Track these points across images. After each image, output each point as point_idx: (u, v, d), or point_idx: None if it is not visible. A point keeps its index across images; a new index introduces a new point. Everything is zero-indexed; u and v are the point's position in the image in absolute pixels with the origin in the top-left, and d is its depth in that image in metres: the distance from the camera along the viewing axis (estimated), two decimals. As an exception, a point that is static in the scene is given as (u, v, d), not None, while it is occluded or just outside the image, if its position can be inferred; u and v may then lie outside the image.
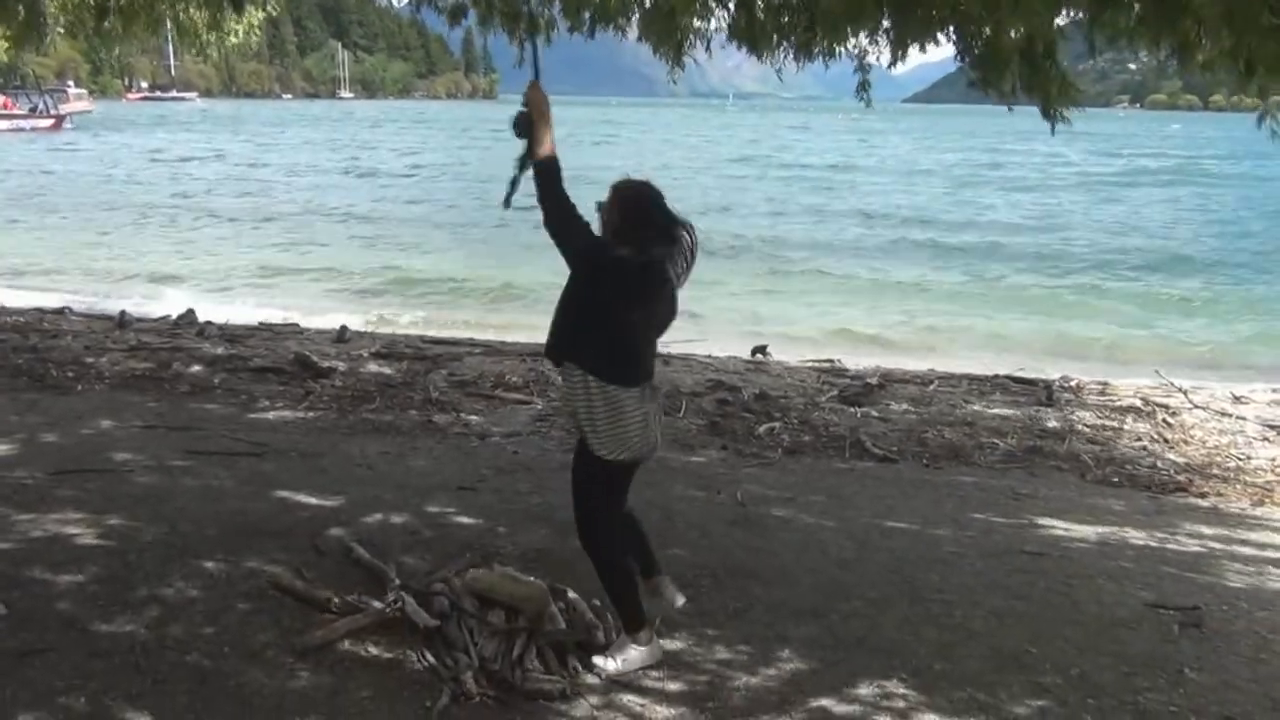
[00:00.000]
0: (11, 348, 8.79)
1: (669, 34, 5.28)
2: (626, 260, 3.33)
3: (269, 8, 7.88)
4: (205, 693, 3.33)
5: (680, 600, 3.88)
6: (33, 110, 58.96)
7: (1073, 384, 9.18)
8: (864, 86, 5.80)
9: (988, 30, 5.05)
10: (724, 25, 5.92)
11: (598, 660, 3.64)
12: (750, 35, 5.73)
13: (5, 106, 57.93)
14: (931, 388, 8.76)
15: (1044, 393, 8.66)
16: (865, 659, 3.76)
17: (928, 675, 3.66)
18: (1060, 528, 5.38)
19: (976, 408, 8.09)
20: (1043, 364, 10.53)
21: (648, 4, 5.64)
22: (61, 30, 8.07)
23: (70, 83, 78.43)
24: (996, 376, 9.32)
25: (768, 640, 3.87)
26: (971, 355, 11.42)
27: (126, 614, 3.83)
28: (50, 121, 59.05)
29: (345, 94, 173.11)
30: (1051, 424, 7.64)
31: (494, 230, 20.64)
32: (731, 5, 5.71)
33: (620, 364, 3.50)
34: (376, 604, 3.89)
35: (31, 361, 8.21)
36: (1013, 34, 5.00)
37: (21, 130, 55.57)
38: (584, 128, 64.20)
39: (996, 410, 8.03)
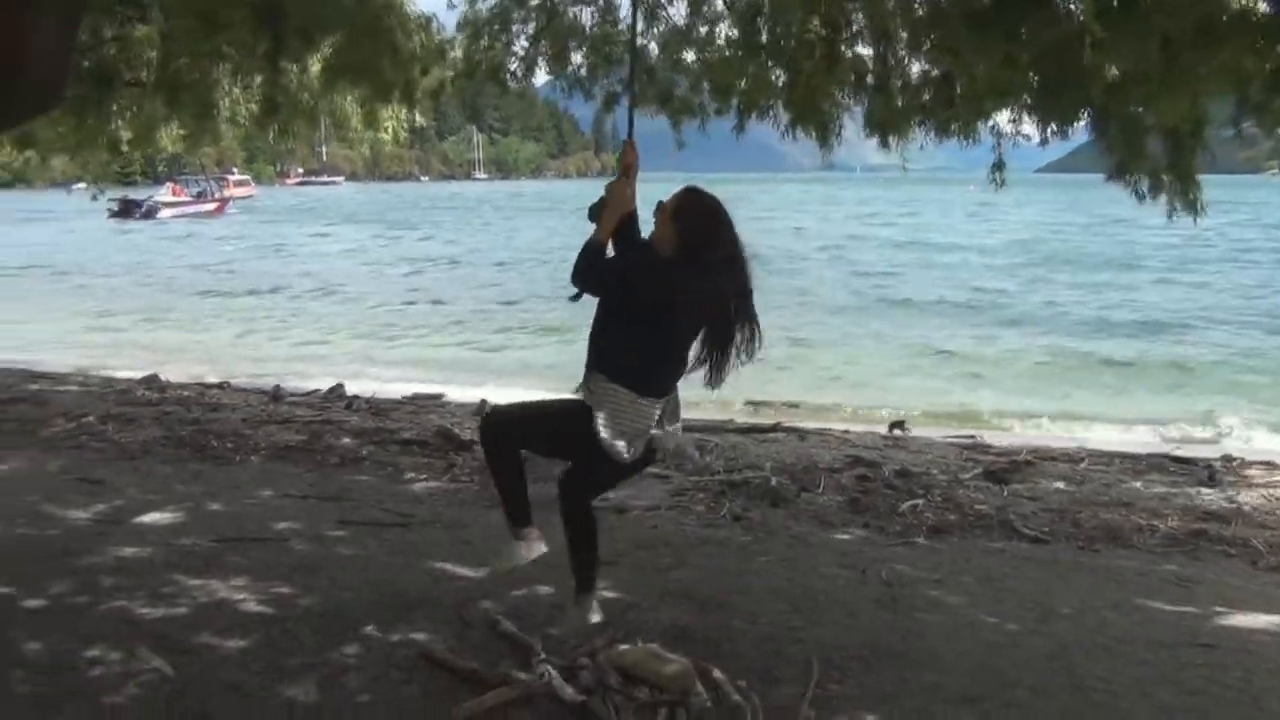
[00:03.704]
0: (176, 420, 9.31)
1: (814, 117, 5.36)
2: (696, 288, 3.50)
3: (418, 118, 8.38)
4: (361, 761, 3.40)
5: (598, 617, 4.01)
6: (198, 196, 63.13)
7: (1235, 463, 8.70)
8: (999, 167, 5.76)
9: (1134, 110, 4.95)
10: (858, 112, 6.00)
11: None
12: (886, 123, 5.77)
13: (174, 193, 62.19)
14: (1082, 465, 8.42)
15: (1205, 472, 8.22)
16: (1027, 751, 3.59)
17: (1096, 771, 3.46)
18: (1233, 617, 5.05)
19: (1132, 487, 7.73)
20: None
21: (781, 90, 5.76)
22: (233, 125, 8.69)
23: (233, 169, 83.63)
24: (1153, 455, 8.90)
25: (922, 727, 3.74)
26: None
27: (285, 681, 3.95)
28: (214, 205, 63.08)
29: (480, 175, 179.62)
30: (1215, 506, 7.23)
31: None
32: (865, 94, 5.78)
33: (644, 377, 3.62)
34: (524, 677, 3.93)
35: (195, 434, 8.66)
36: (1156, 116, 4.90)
37: (186, 215, 59.45)
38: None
39: (1154, 490, 7.65)
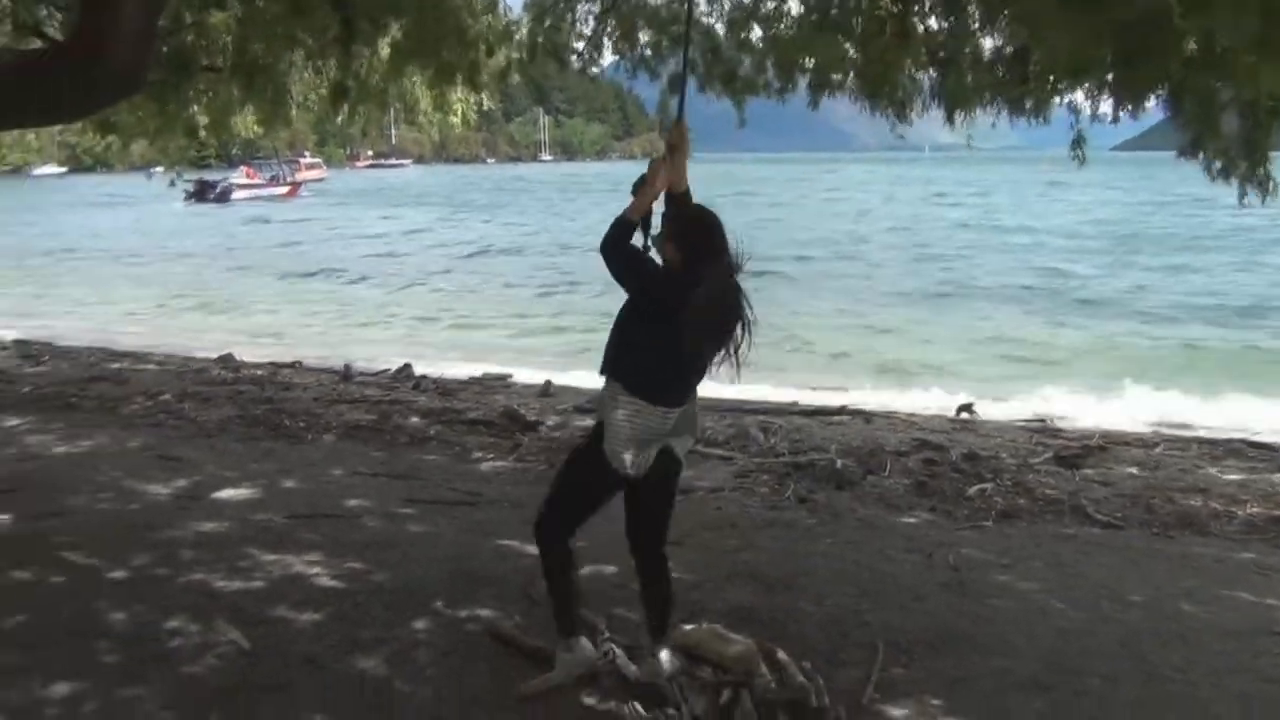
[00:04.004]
0: (250, 399, 9.53)
1: (890, 94, 5.28)
2: (708, 298, 3.39)
3: (485, 101, 8.46)
4: (431, 734, 3.47)
5: (669, 668, 3.77)
6: (272, 179, 64.26)
7: (1318, 449, 8.43)
8: (1079, 143, 5.63)
9: (1212, 84, 4.80)
10: (927, 87, 5.90)
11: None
12: (954, 98, 5.67)
13: (248, 176, 63.44)
14: (1157, 450, 8.23)
15: (1286, 458, 7.99)
16: (1099, 740, 3.54)
17: (1170, 761, 3.40)
18: (1315, 607, 4.92)
19: (1209, 473, 7.53)
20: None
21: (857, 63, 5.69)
22: (304, 108, 8.83)
23: (305, 152, 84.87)
24: (1231, 440, 8.67)
25: (991, 713, 3.70)
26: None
27: (357, 654, 4.04)
28: (287, 189, 64.14)
29: (545, 157, 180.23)
30: (1299, 493, 7.02)
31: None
32: (935, 70, 5.68)
33: (662, 385, 3.52)
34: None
35: (268, 412, 8.86)
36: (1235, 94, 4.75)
37: (259, 197, 60.59)
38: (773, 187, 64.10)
39: (1232, 476, 7.45)
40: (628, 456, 3.51)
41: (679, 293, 3.40)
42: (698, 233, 3.55)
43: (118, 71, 5.07)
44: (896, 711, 3.72)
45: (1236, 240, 33.03)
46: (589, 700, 3.71)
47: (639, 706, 3.64)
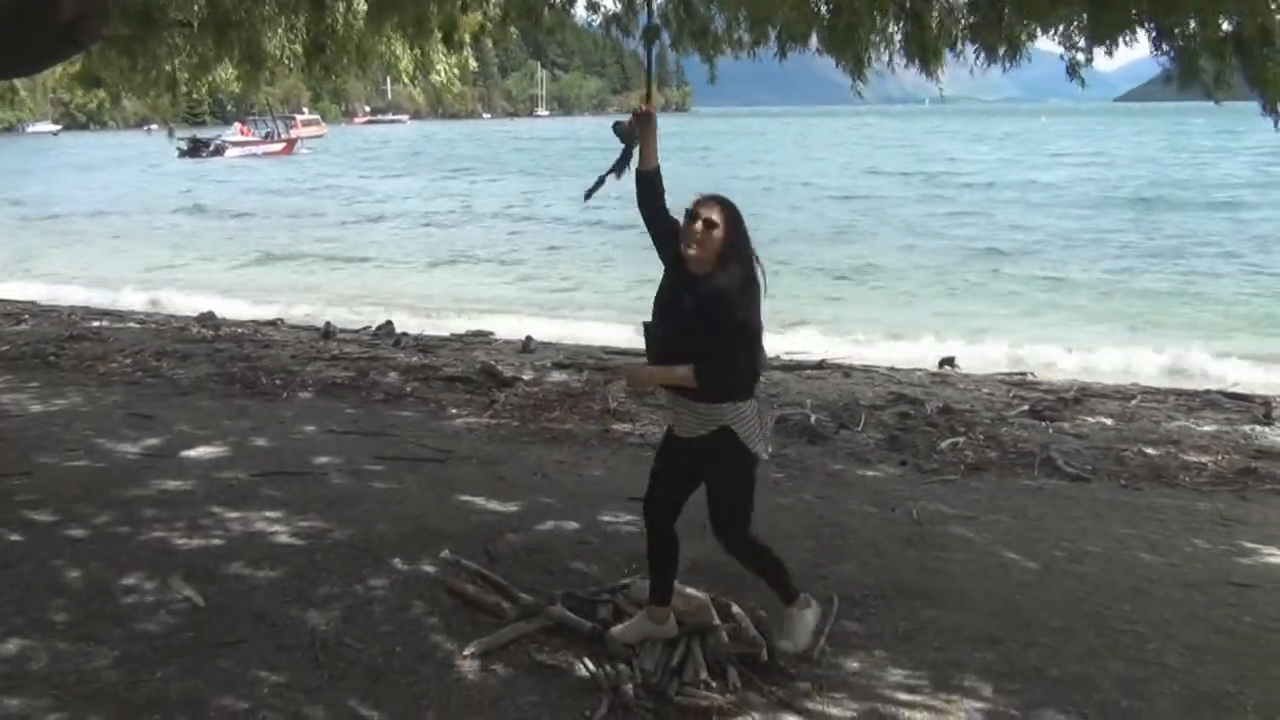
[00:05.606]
0: (228, 357, 9.50)
1: (848, 47, 5.19)
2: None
3: (468, 60, 8.33)
4: (378, 690, 3.47)
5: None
6: (266, 136, 63.63)
7: (1296, 400, 8.41)
8: (1075, 72, 5.50)
9: (1193, 22, 4.73)
10: (897, 41, 5.80)
11: (783, 644, 3.66)
12: (922, 49, 5.58)
13: (243, 133, 62.93)
14: (1133, 403, 8.21)
15: (1261, 410, 7.97)
16: (1044, 691, 3.54)
17: (1112, 712, 3.40)
18: (1273, 557, 4.92)
19: (1183, 424, 7.52)
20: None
21: (825, 18, 5.58)
22: (281, 65, 8.69)
23: (304, 109, 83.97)
24: (1208, 391, 8.65)
25: (938, 666, 3.70)
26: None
27: (311, 610, 4.04)
28: (281, 146, 63.54)
29: (542, 112, 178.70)
30: (1268, 443, 7.01)
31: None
32: (903, 20, 5.58)
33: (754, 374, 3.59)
34: (549, 609, 3.97)
35: (245, 370, 8.84)
36: (1224, 24, 4.67)
37: (254, 155, 60.11)
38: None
39: (1206, 427, 7.44)
40: (766, 445, 3.61)
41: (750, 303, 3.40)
42: (741, 224, 3.44)
43: (67, 23, 4.99)
44: (847, 664, 3.73)
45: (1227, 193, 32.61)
46: (540, 655, 3.73)
47: (588, 661, 3.66)
